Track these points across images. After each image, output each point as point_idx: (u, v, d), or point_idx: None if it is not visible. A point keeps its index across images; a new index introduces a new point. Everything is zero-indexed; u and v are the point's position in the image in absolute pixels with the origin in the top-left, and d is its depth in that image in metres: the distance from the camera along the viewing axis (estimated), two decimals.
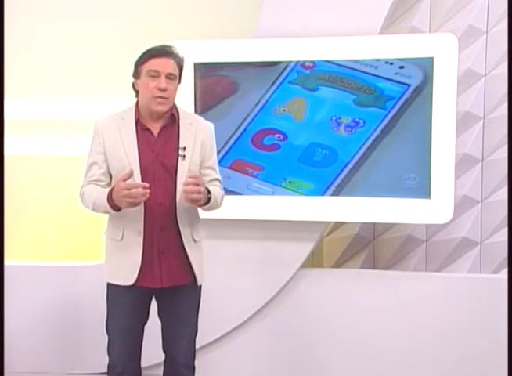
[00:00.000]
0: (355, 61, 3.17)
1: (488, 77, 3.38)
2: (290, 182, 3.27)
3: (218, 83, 3.30)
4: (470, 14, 3.37)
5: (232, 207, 3.28)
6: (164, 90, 2.42)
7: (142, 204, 2.39)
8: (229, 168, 3.30)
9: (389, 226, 3.58)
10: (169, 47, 2.47)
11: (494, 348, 3.19)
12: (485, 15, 3.36)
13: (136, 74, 2.49)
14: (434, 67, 3.08)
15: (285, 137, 3.26)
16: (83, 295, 3.53)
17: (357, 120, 3.18)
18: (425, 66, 3.09)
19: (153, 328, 2.58)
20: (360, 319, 3.39)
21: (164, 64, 2.43)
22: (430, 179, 3.13)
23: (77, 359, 3.60)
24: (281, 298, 3.45)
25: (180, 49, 3.21)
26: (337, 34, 3.18)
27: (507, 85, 3.13)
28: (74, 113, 3.73)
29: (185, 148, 2.47)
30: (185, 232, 2.48)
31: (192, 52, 3.28)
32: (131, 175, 2.35)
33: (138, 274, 2.44)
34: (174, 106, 2.53)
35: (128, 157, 2.43)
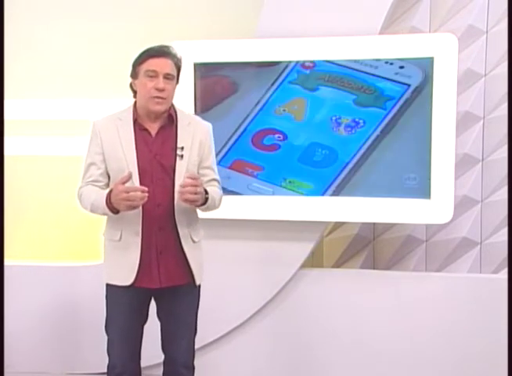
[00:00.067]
0: (355, 61, 3.17)
1: (488, 77, 3.38)
2: (290, 182, 3.27)
3: (218, 83, 3.30)
4: (470, 14, 3.37)
5: (232, 207, 3.29)
6: (161, 90, 2.42)
7: (141, 205, 2.39)
8: (229, 168, 3.30)
9: (389, 226, 3.58)
10: (167, 47, 2.47)
11: (494, 348, 3.19)
12: (485, 15, 3.36)
13: (134, 74, 2.49)
14: (434, 67, 3.08)
15: (285, 137, 3.26)
16: (83, 295, 3.53)
17: (357, 120, 3.18)
18: (425, 66, 3.09)
19: (153, 328, 2.58)
20: (360, 319, 3.39)
21: (162, 64, 2.43)
22: (430, 179, 3.13)
23: (77, 359, 3.60)
24: (281, 298, 3.45)
25: (180, 49, 3.23)
26: (337, 34, 3.18)
27: (507, 85, 3.13)
28: (74, 113, 3.72)
29: (183, 148, 2.47)
30: (183, 232, 2.48)
31: (192, 52, 3.28)
32: (129, 177, 2.35)
33: (137, 274, 2.45)
34: (172, 106, 2.53)
35: (126, 157, 2.43)
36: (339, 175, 3.22)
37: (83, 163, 2.53)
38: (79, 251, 3.71)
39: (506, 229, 3.34)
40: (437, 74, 3.08)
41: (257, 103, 3.26)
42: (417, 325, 3.34)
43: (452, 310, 3.30)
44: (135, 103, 2.52)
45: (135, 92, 2.52)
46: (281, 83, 3.24)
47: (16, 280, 3.53)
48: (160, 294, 2.53)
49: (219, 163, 3.26)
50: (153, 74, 2.42)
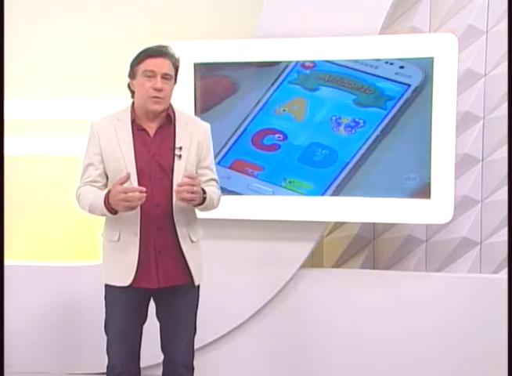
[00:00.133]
0: (355, 61, 3.17)
1: (488, 77, 3.38)
2: (290, 182, 3.27)
3: (218, 83, 3.30)
4: (470, 14, 3.37)
5: (232, 207, 3.29)
6: (159, 90, 2.42)
7: (139, 205, 2.39)
8: (229, 168, 3.30)
9: (389, 226, 3.58)
10: (165, 47, 2.47)
11: (494, 348, 3.19)
12: (485, 15, 3.36)
13: (132, 75, 2.49)
14: (434, 67, 3.08)
15: (285, 137, 3.26)
16: (83, 295, 3.53)
17: (357, 120, 3.18)
18: (425, 66, 3.09)
19: (152, 328, 2.58)
20: (360, 319, 3.39)
21: (160, 64, 2.43)
22: (430, 179, 3.13)
23: (77, 359, 3.60)
24: (281, 298, 3.45)
25: (180, 49, 3.23)
26: (337, 34, 3.18)
27: (507, 85, 3.13)
28: (74, 113, 3.72)
29: (181, 148, 2.47)
30: (181, 232, 2.48)
31: (192, 52, 3.28)
32: (128, 178, 2.35)
33: (135, 275, 2.45)
34: (171, 106, 2.53)
35: (124, 157, 2.43)
36: (339, 175, 3.22)
37: (81, 163, 2.53)
38: (79, 251, 3.71)
39: (506, 229, 3.34)
40: (437, 74, 3.08)
41: (257, 103, 3.26)
42: (417, 325, 3.34)
43: (452, 310, 3.30)
44: (133, 103, 2.52)
45: (132, 93, 2.52)
46: (281, 83, 3.24)
47: (16, 280, 3.53)
48: (159, 295, 2.53)
49: (219, 163, 3.26)
50: (150, 74, 2.42)
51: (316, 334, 3.44)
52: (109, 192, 2.37)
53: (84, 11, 3.72)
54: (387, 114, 3.15)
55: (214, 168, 2.61)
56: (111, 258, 2.52)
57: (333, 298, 3.41)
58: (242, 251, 3.41)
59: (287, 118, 3.25)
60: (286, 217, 3.29)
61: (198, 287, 2.59)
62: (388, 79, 3.14)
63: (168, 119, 2.51)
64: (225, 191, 3.21)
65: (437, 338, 3.32)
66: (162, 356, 2.62)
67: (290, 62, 3.23)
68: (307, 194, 3.26)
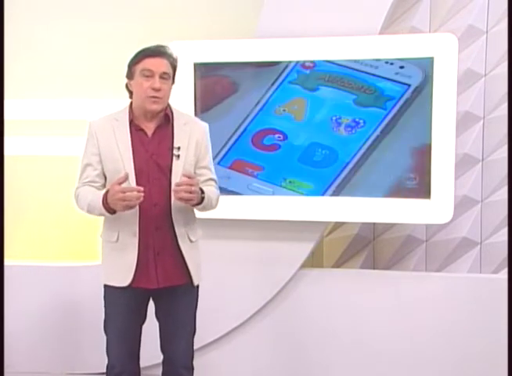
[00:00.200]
0: (355, 61, 3.17)
1: (488, 77, 3.38)
2: (290, 182, 3.27)
3: (218, 83, 3.30)
4: (470, 14, 3.37)
5: (233, 207, 3.29)
6: (158, 90, 2.41)
7: (137, 205, 2.40)
8: (229, 168, 3.30)
9: (389, 226, 3.58)
10: (163, 47, 2.47)
11: (494, 348, 3.19)
12: (485, 15, 3.36)
13: (130, 75, 2.49)
14: (434, 67, 3.08)
15: (285, 137, 3.26)
16: (83, 295, 3.53)
17: (357, 120, 3.18)
18: (425, 66, 3.09)
19: (152, 328, 2.58)
20: (360, 319, 3.39)
21: (158, 64, 2.43)
22: (430, 179, 3.13)
23: (77, 359, 3.60)
24: (281, 298, 3.45)
25: (180, 49, 3.24)
26: (337, 34, 3.18)
27: (507, 85, 3.13)
28: (74, 113, 3.72)
29: (179, 148, 2.46)
30: (180, 232, 2.48)
31: (192, 52, 3.28)
32: (126, 178, 2.35)
33: (134, 275, 2.45)
34: (169, 106, 2.53)
35: (122, 158, 2.43)
36: (339, 175, 3.22)
37: (79, 164, 2.53)
38: (79, 251, 3.71)
39: (506, 229, 3.34)
40: (437, 74, 3.08)
41: (257, 103, 3.26)
42: (417, 325, 3.34)
43: (452, 310, 3.30)
44: (131, 103, 2.52)
45: (131, 93, 2.52)
46: (281, 83, 3.24)
47: (16, 280, 3.53)
48: (158, 295, 2.53)
49: (219, 163, 3.27)
50: (148, 74, 2.42)
51: (316, 334, 3.44)
52: (107, 192, 2.38)
53: (84, 11, 3.72)
54: (387, 114, 3.15)
55: (212, 167, 2.61)
56: (110, 258, 2.52)
57: (333, 298, 3.41)
58: (242, 251, 3.41)
59: (287, 118, 3.25)
60: (286, 217, 3.29)
61: (197, 286, 2.59)
62: (388, 79, 3.14)
63: (166, 119, 2.51)
64: (225, 191, 3.21)
65: (437, 338, 3.32)
66: (162, 356, 2.62)
67: (290, 62, 3.23)
68: (307, 194, 3.26)
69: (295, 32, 3.22)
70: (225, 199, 3.14)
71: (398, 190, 3.18)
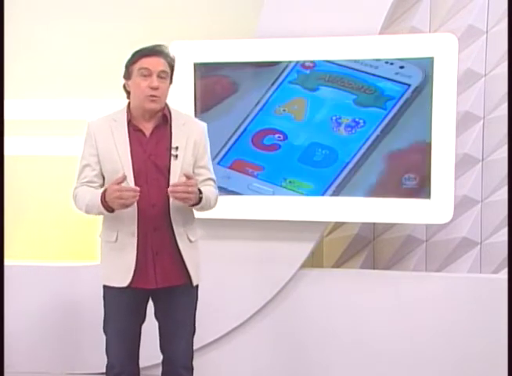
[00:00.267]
0: (355, 61, 3.17)
1: (488, 77, 3.38)
2: (290, 182, 3.27)
3: (218, 83, 3.30)
4: (470, 14, 3.37)
5: (233, 207, 3.29)
6: (156, 88, 2.41)
7: (136, 205, 2.40)
8: (229, 167, 3.30)
9: (389, 226, 3.58)
10: (159, 46, 2.47)
11: (494, 348, 3.19)
12: (485, 15, 3.36)
13: (127, 75, 2.48)
14: (434, 67, 3.08)
15: (285, 137, 3.26)
16: (83, 295, 3.52)
17: (357, 120, 3.18)
18: (425, 66, 3.09)
19: (151, 328, 2.58)
20: (360, 319, 3.39)
21: (155, 63, 2.43)
22: (430, 179, 3.13)
23: (77, 359, 3.60)
24: (281, 298, 3.45)
25: (180, 49, 3.24)
26: (337, 34, 3.18)
27: (507, 85, 3.13)
28: (74, 113, 3.72)
29: (177, 148, 2.46)
30: (179, 232, 2.48)
31: (192, 52, 3.28)
32: (124, 179, 2.35)
33: (133, 275, 2.45)
34: (167, 106, 2.53)
35: (120, 158, 2.43)
36: (339, 175, 3.22)
37: (77, 164, 2.53)
38: (79, 251, 3.71)
39: (506, 229, 3.34)
40: (437, 74, 3.08)
41: (258, 102, 3.26)
42: (417, 325, 3.34)
43: (452, 310, 3.30)
44: (129, 103, 2.52)
45: (128, 93, 2.52)
46: (281, 83, 3.24)
47: (16, 280, 3.53)
48: (157, 295, 2.53)
49: (219, 163, 3.27)
50: (146, 73, 2.42)
51: (316, 334, 3.43)
52: (105, 190, 2.38)
53: (84, 11, 3.72)
54: (387, 114, 3.15)
55: (211, 167, 2.61)
56: (109, 258, 2.52)
57: (333, 298, 3.41)
58: (242, 251, 3.41)
59: (287, 118, 3.25)
60: (286, 217, 3.29)
61: (196, 287, 2.58)
62: (388, 79, 3.14)
63: (164, 119, 2.50)
64: (225, 191, 3.22)
65: (437, 338, 3.32)
66: (161, 356, 2.62)
67: (290, 62, 3.23)
68: (307, 194, 3.26)
69: (295, 32, 3.22)
70: (225, 199, 3.15)
71: (398, 190, 3.18)
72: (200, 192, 2.43)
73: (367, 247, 3.65)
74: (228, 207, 3.26)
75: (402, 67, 3.13)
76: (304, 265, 3.44)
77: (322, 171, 3.23)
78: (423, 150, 3.13)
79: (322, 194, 3.25)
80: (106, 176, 2.49)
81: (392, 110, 3.14)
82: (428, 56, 3.09)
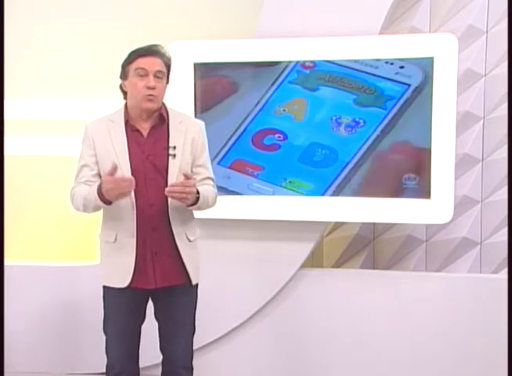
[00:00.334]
0: (355, 61, 3.17)
1: (488, 77, 3.38)
2: (290, 182, 3.27)
3: (218, 83, 3.29)
4: (470, 14, 3.37)
5: (233, 207, 3.29)
6: (152, 88, 2.41)
7: (134, 205, 2.41)
8: (229, 167, 3.30)
9: (389, 226, 3.58)
10: (155, 46, 2.47)
11: (494, 348, 3.19)
12: (485, 15, 3.36)
13: (123, 75, 2.49)
14: (434, 67, 3.08)
15: (285, 137, 3.26)
16: (83, 295, 3.52)
17: (357, 120, 3.18)
18: (425, 66, 3.09)
19: (151, 328, 2.58)
20: (360, 320, 3.39)
21: (151, 63, 2.43)
22: (430, 179, 3.13)
23: (77, 359, 3.60)
24: (281, 298, 3.45)
25: (180, 49, 3.24)
26: (337, 34, 3.18)
27: (507, 85, 3.13)
28: (74, 113, 3.72)
29: (175, 147, 2.46)
30: (177, 231, 2.48)
31: (192, 52, 3.28)
32: (115, 169, 2.34)
33: (132, 276, 2.45)
34: (164, 105, 2.53)
35: (118, 159, 2.43)
36: (339, 175, 3.22)
37: (75, 165, 2.53)
38: (79, 251, 3.71)
39: (506, 229, 3.34)
40: (437, 74, 3.08)
41: (258, 102, 3.26)
42: (417, 325, 3.33)
43: (452, 310, 3.30)
44: (126, 104, 2.52)
45: (125, 93, 2.52)
46: (281, 83, 3.24)
47: (16, 280, 3.53)
48: (156, 295, 2.53)
49: (219, 163, 3.27)
50: (143, 73, 2.42)
51: (316, 334, 3.43)
52: (102, 183, 2.37)
53: (84, 11, 3.72)
54: (388, 114, 3.15)
55: (209, 166, 2.60)
56: (108, 259, 2.52)
57: (333, 298, 3.41)
58: (242, 250, 3.41)
59: (287, 118, 3.25)
60: (286, 217, 3.29)
61: (196, 286, 2.58)
62: (388, 79, 3.14)
63: (161, 119, 2.50)
64: (225, 191, 3.22)
65: (437, 338, 3.32)
66: (161, 356, 2.62)
67: (290, 62, 3.23)
68: (307, 194, 3.26)
69: (295, 32, 3.22)
70: (225, 199, 3.15)
71: (398, 190, 3.18)
72: (198, 192, 2.42)
73: (367, 247, 3.65)
74: (228, 207, 3.26)
75: (402, 67, 3.13)
76: (304, 265, 3.44)
77: (322, 171, 3.23)
78: (423, 150, 3.13)
79: (322, 194, 3.25)
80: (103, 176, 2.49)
81: (392, 109, 3.14)
82: (428, 56, 3.09)
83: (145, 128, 2.49)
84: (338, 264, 3.69)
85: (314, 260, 3.65)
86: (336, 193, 3.23)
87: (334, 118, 3.21)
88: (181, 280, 2.51)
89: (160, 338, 2.59)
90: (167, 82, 2.51)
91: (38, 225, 3.84)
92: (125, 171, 2.41)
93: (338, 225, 3.66)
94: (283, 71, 3.24)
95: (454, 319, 3.30)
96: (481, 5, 3.35)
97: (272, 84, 3.25)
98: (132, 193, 2.41)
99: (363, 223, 3.59)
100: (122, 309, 2.52)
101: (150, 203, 2.44)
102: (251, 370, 3.51)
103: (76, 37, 3.73)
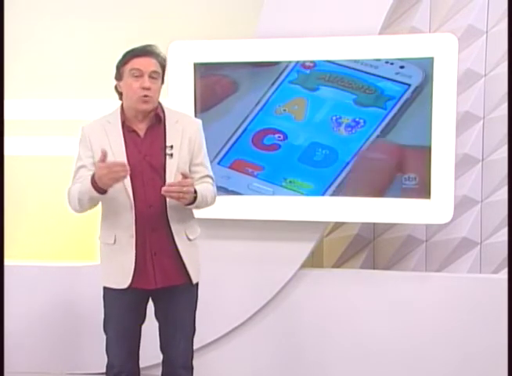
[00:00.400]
0: (356, 61, 3.17)
1: (488, 77, 3.38)
2: (290, 182, 3.27)
3: (217, 83, 3.29)
4: (470, 14, 3.37)
5: (233, 207, 3.29)
6: (147, 89, 2.41)
7: (133, 206, 2.41)
8: (229, 167, 3.30)
9: (389, 226, 3.58)
10: (150, 46, 2.47)
11: (494, 348, 3.19)
12: (485, 15, 3.36)
13: (118, 76, 2.49)
14: (434, 67, 3.08)
15: (285, 137, 3.26)
16: (83, 295, 3.52)
17: (357, 120, 3.18)
18: (425, 66, 3.09)
19: (152, 329, 2.58)
20: (360, 319, 3.39)
21: (146, 63, 2.43)
22: (430, 179, 3.13)
23: (77, 359, 3.60)
24: (281, 298, 3.45)
25: (180, 49, 3.24)
26: (337, 34, 3.18)
27: (507, 85, 3.13)
28: (74, 113, 3.72)
29: (172, 146, 2.46)
30: (177, 231, 2.48)
31: (192, 52, 3.28)
32: (105, 155, 2.32)
33: (132, 276, 2.45)
34: (160, 105, 2.53)
35: (116, 160, 2.41)
36: (339, 174, 3.22)
37: (73, 167, 2.53)
38: (79, 251, 3.71)
39: (506, 229, 3.34)
40: (437, 74, 3.08)
41: (258, 102, 3.26)
42: (417, 325, 3.33)
43: (452, 310, 3.30)
44: (122, 104, 2.52)
45: (120, 94, 2.51)
46: (281, 83, 3.24)
47: (16, 280, 3.53)
48: (157, 295, 2.54)
49: (219, 163, 3.26)
50: (138, 74, 2.42)
51: (316, 334, 3.43)
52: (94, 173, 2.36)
53: (84, 11, 3.72)
54: (388, 114, 3.15)
55: (208, 164, 2.60)
56: (108, 260, 2.52)
57: (333, 298, 3.41)
58: (242, 250, 3.41)
59: (287, 118, 3.25)
60: (286, 217, 3.29)
61: (197, 285, 2.59)
62: (388, 79, 3.14)
63: (158, 119, 2.50)
64: (225, 191, 3.22)
65: (437, 338, 3.32)
66: (161, 356, 2.62)
67: (290, 62, 3.23)
68: (307, 194, 3.26)
69: (295, 32, 3.22)
70: (225, 199, 3.15)
71: (398, 190, 3.18)
72: (195, 191, 2.41)
73: (367, 247, 3.65)
74: (228, 207, 3.26)
75: (402, 67, 3.13)
76: (304, 265, 3.44)
77: (323, 171, 3.23)
78: (423, 150, 3.13)
79: (322, 194, 3.25)
80: None
81: (392, 109, 3.14)
82: (428, 56, 3.09)
83: (141, 128, 2.48)
84: (338, 264, 3.69)
85: (314, 260, 3.65)
86: (336, 193, 3.23)
87: (334, 118, 3.21)
88: (181, 280, 2.51)
89: (160, 338, 2.60)
90: (163, 82, 2.51)
91: (38, 225, 3.84)
92: None
93: (338, 225, 3.66)
94: (283, 71, 3.24)
95: (454, 319, 3.30)
96: (481, 5, 3.35)
97: (272, 84, 3.25)
98: (131, 194, 2.42)
99: (363, 223, 3.59)
100: (122, 309, 2.52)
101: (149, 203, 2.44)
102: (251, 370, 3.51)
103: (76, 37, 3.73)
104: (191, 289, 2.56)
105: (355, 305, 3.39)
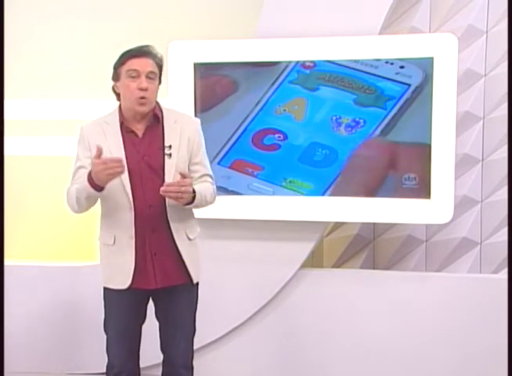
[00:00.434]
0: (356, 61, 3.17)
1: (488, 77, 3.38)
2: (290, 182, 3.27)
3: (217, 83, 3.29)
4: (470, 14, 3.37)
5: (233, 207, 3.29)
6: (145, 90, 2.41)
7: (132, 206, 2.41)
8: (229, 167, 3.30)
9: (389, 226, 3.58)
10: (147, 47, 2.47)
11: (494, 348, 3.19)
12: (485, 15, 3.36)
13: (115, 77, 2.49)
14: (434, 67, 3.08)
15: (285, 137, 3.26)
16: (83, 295, 3.53)
17: (357, 120, 3.18)
18: (425, 66, 3.09)
19: (152, 329, 2.58)
20: (360, 319, 3.39)
21: (143, 64, 2.43)
22: (430, 179, 3.13)
23: (77, 359, 3.60)
24: (281, 298, 3.45)
25: (180, 49, 3.24)
26: (337, 34, 3.18)
27: (507, 85, 3.13)
28: (74, 113, 3.72)
29: (170, 146, 2.46)
30: (177, 231, 2.48)
31: (192, 52, 3.28)
32: (100, 151, 2.32)
33: (133, 277, 2.45)
34: (158, 105, 2.53)
35: None
36: (339, 175, 3.22)
37: (72, 168, 2.52)
38: (79, 251, 3.71)
39: (506, 229, 3.34)
40: (437, 74, 3.08)
41: (258, 102, 3.26)
42: (417, 325, 3.33)
43: (452, 310, 3.30)
44: (120, 105, 2.51)
45: (117, 95, 2.51)
46: (281, 83, 3.24)
47: (16, 280, 3.53)
48: (157, 295, 2.54)
49: (219, 163, 3.26)
50: (135, 75, 2.42)
51: (316, 334, 3.43)
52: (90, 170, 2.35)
53: (84, 11, 3.72)
54: (388, 114, 3.15)
55: (207, 163, 2.59)
56: (108, 261, 2.52)
57: (333, 298, 3.41)
58: (242, 251, 3.41)
59: (287, 118, 3.25)
60: (286, 217, 3.29)
61: (197, 285, 2.59)
62: (388, 79, 3.14)
63: (156, 119, 2.50)
64: (225, 191, 3.22)
65: (437, 338, 3.32)
66: (162, 356, 2.62)
67: (290, 62, 3.23)
68: (307, 194, 3.26)
69: (295, 32, 3.22)
70: (225, 199, 3.15)
71: (398, 190, 3.18)
72: (194, 191, 2.41)
73: (367, 247, 3.65)
74: (228, 207, 3.26)
75: (402, 67, 3.13)
76: (304, 265, 3.44)
77: (323, 171, 3.23)
78: (423, 150, 3.13)
79: (322, 194, 3.25)
80: None
81: (392, 109, 3.14)
82: (428, 56, 3.09)
83: (139, 128, 2.48)
84: (338, 264, 3.69)
85: (314, 260, 3.65)
86: (336, 193, 3.23)
87: (334, 118, 3.21)
88: (181, 280, 2.51)
89: (160, 338, 2.60)
90: (160, 83, 2.51)
91: (38, 225, 3.84)
92: None
93: (338, 225, 3.66)
94: (283, 71, 3.24)
95: (454, 319, 3.30)
96: (481, 5, 3.35)
97: (272, 84, 3.25)
98: (130, 195, 2.42)
99: (363, 223, 3.59)
100: (123, 310, 2.52)
101: (148, 204, 2.44)
102: (251, 370, 3.51)
103: (76, 37, 3.73)
104: (191, 289, 2.56)
105: (355, 305, 3.39)
